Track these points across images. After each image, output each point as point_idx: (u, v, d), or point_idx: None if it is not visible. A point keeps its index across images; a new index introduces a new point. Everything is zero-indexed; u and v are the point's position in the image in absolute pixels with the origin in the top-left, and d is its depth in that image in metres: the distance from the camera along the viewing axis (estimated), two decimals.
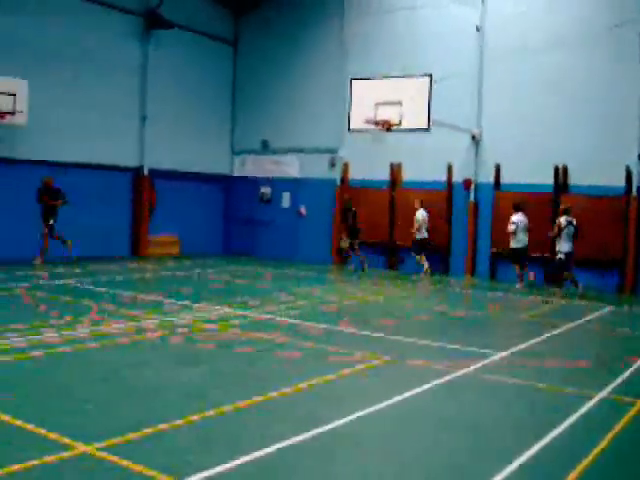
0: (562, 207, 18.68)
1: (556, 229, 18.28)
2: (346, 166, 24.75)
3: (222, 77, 27.44)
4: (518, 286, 19.59)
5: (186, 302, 14.28)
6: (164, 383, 8.31)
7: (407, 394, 8.15)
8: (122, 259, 22.69)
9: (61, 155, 21.86)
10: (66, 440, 6.08)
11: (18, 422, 6.50)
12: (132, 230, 24.50)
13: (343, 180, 24.83)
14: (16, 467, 5.48)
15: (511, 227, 19.58)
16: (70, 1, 21.86)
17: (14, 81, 19.45)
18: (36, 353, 9.36)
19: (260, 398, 7.72)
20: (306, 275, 20.98)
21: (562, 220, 18.24)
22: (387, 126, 19.42)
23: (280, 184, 26.53)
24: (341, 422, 7.00)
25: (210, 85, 26.91)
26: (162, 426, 6.60)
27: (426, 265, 21.69)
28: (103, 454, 5.82)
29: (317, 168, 25.50)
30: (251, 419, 7.07)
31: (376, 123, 19.52)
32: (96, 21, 22.67)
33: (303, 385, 8.36)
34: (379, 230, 23.42)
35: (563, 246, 18.19)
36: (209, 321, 12.36)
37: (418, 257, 21.85)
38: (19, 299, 14.03)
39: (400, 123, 19.28)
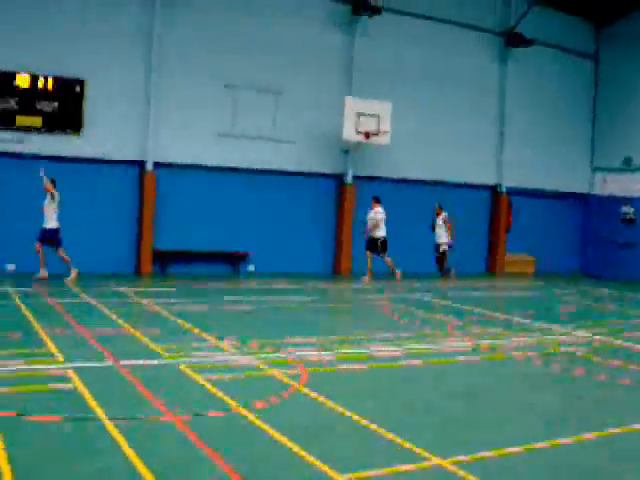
0: (438, 205, 21.03)
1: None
2: None
3: (581, 92, 26.53)
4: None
5: (537, 323, 13.96)
6: (516, 405, 8.15)
7: None
8: (477, 276, 22.86)
9: (418, 173, 22.63)
10: (418, 450, 6.21)
11: (374, 427, 6.78)
12: (488, 248, 24.59)
13: None
14: (375, 472, 5.70)
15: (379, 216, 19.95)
16: (430, 24, 22.56)
17: (378, 103, 20.60)
18: (395, 363, 9.73)
19: (616, 430, 7.28)
20: None
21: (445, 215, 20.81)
22: None
23: None
24: None
25: (568, 101, 26.14)
26: (513, 449, 6.46)
27: None
28: (455, 469, 5.84)
29: None
30: (602, 453, 6.65)
31: None
32: (455, 42, 23.17)
33: None
34: None
35: (445, 238, 20.80)
36: (563, 344, 11.96)
37: None
38: (380, 309, 14.73)
39: None
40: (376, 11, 20.96)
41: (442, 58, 22.93)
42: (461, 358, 10.31)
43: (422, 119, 22.56)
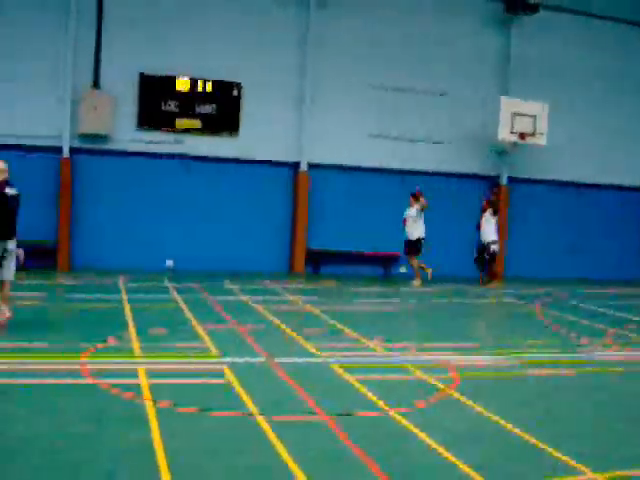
0: (486, 199, 19.41)
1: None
2: None
3: None
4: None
5: None
6: None
7: None
8: (634, 282, 21.86)
9: (575, 174, 21.89)
10: (573, 463, 5.98)
11: (527, 436, 6.59)
12: None
13: None
14: None
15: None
16: (589, 21, 21.70)
17: (535, 104, 20.14)
18: (550, 371, 9.46)
19: None
20: None
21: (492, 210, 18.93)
22: None
23: None
24: None
25: None
26: None
27: None
28: None
29: None
30: None
31: None
32: (615, 39, 22.11)
33: None
34: None
35: (494, 235, 18.88)
36: None
37: None
38: (532, 315, 14.39)
39: None
40: (533, 9, 20.46)
41: (601, 56, 21.99)
42: (619, 368, 9.90)
43: (580, 119, 21.77)
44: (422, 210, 18.33)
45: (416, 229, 18.31)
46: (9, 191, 10.25)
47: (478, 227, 19.20)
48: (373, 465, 5.66)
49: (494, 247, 18.93)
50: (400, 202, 19.15)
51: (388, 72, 19.96)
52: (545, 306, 15.70)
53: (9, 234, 10.29)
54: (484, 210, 19.13)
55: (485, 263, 19.16)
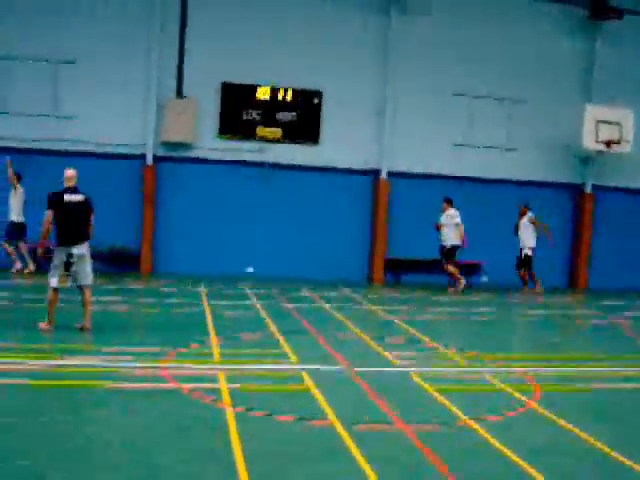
0: (523, 204, 18.87)
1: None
2: None
3: None
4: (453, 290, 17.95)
5: None
6: None
7: None
8: None
9: None
10: None
11: (612, 453, 6.39)
12: None
13: None
14: None
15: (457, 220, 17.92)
16: None
17: (619, 111, 19.69)
18: (618, 386, 9.20)
19: None
20: None
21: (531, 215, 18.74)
22: None
23: None
24: None
25: None
26: None
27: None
28: None
29: None
30: None
31: None
32: None
33: None
34: None
35: (531, 241, 18.65)
36: None
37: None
38: (617, 328, 14.02)
39: None
40: (618, 14, 19.96)
41: None
42: None
43: None
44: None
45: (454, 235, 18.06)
46: (70, 197, 10.42)
47: (516, 232, 19.02)
48: (453, 478, 5.57)
49: (527, 252, 18.78)
50: (480, 210, 18.96)
51: (469, 80, 19.78)
52: (631, 318, 15.28)
53: (74, 240, 10.40)
54: (522, 214, 18.94)
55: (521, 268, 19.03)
